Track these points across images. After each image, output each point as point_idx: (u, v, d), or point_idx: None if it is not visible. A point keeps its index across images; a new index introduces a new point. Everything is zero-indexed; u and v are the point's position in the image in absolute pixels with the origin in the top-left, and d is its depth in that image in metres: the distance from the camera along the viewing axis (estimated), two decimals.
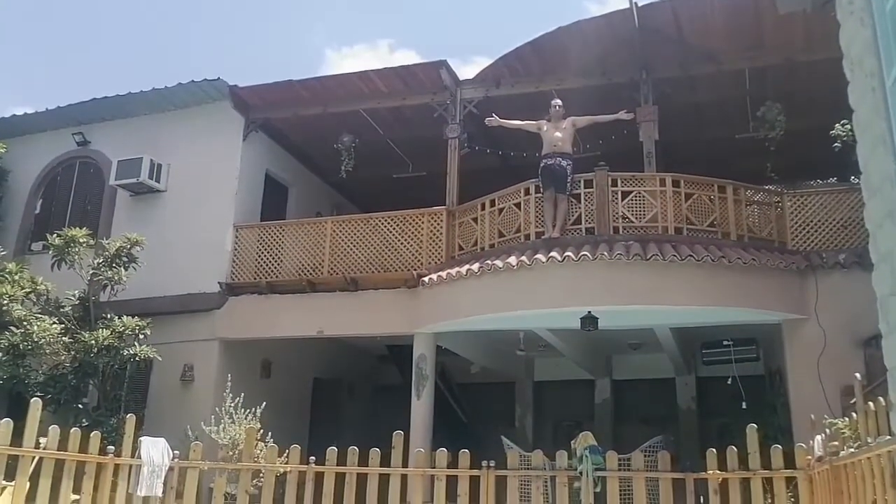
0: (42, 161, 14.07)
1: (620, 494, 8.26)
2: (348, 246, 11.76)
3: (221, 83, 12.44)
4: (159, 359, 10.97)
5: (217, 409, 10.14)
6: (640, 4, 10.07)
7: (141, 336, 10.81)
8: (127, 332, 10.70)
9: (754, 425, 7.87)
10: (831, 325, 9.36)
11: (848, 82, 3.76)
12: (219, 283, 12.02)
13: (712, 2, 10.06)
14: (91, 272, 11.14)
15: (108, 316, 10.87)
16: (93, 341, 10.39)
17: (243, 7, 34.47)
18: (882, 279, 3.26)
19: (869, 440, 4.46)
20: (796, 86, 11.09)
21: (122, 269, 11.16)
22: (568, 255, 9.26)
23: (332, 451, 9.17)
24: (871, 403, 4.58)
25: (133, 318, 10.83)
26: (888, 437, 3.87)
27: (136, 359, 10.72)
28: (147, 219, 12.61)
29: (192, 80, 12.51)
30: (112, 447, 7.82)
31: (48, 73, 33.87)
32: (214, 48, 35.77)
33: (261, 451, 9.47)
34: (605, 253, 9.18)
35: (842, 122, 9.19)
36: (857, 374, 5.88)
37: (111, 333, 10.52)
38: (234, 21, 34.80)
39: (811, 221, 10.14)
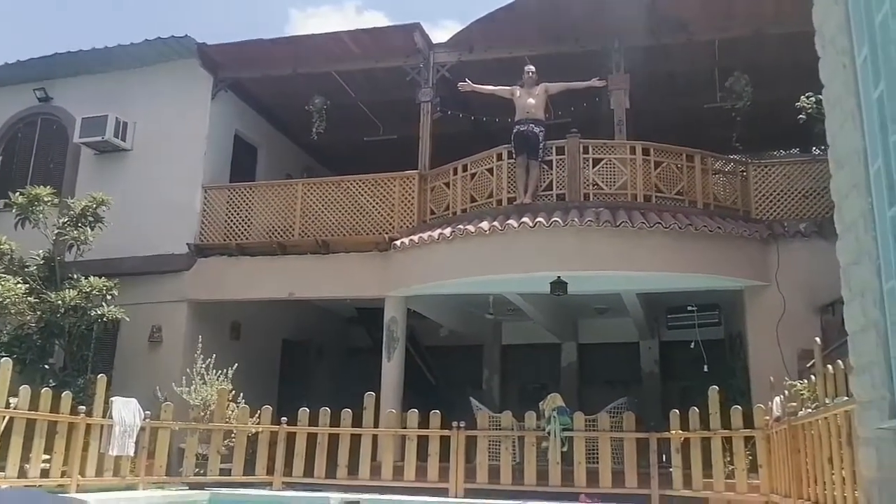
0: (1, 117, 13.74)
1: (587, 453, 8.54)
2: (320, 209, 11.74)
3: (189, 40, 12.22)
4: (127, 319, 10.92)
5: (188, 370, 10.19)
6: None
7: (108, 297, 10.72)
8: (94, 292, 10.61)
9: (716, 387, 8.17)
10: (790, 291, 9.66)
11: (816, 56, 3.87)
12: (187, 244, 11.95)
13: None
14: (56, 232, 10.99)
15: (75, 276, 10.76)
16: (59, 301, 10.29)
17: None
18: (846, 248, 3.40)
19: (827, 401, 4.68)
20: (764, 57, 11.24)
21: (87, 228, 11.04)
22: (539, 221, 9.39)
23: (303, 412, 9.33)
24: (829, 366, 4.79)
25: (100, 278, 10.73)
26: (846, 398, 4.07)
27: (104, 320, 10.66)
28: (112, 178, 12.43)
29: (159, 37, 12.27)
30: (83, 407, 7.84)
31: (8, 27, 32.81)
32: (178, 3, 34.89)
33: (232, 411, 9.58)
34: (576, 219, 9.32)
35: (807, 94, 9.38)
36: (817, 339, 6.11)
37: (78, 294, 10.42)
38: None
39: (774, 191, 10.38)
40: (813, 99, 9.09)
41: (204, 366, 10.12)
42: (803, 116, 9.47)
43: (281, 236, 11.78)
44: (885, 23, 2.91)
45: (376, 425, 9.17)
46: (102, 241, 11.13)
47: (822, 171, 9.85)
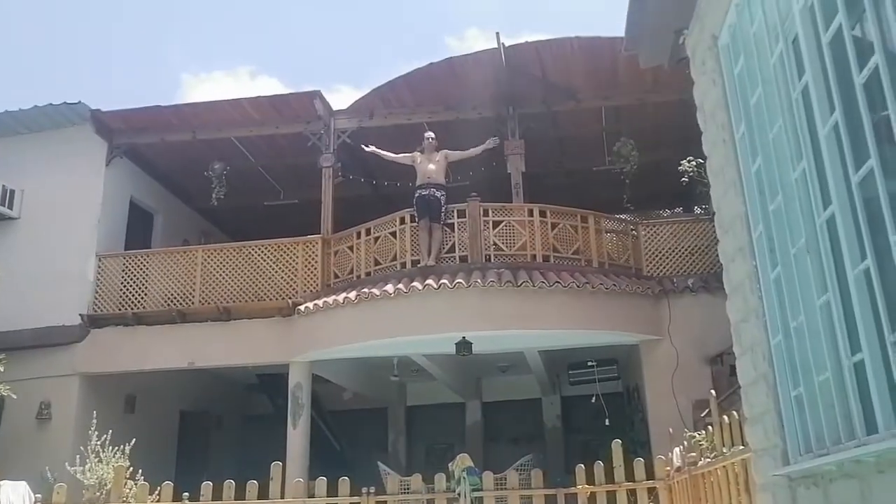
0: None
1: None
2: (221, 275, 11.55)
3: (83, 107, 11.95)
4: (13, 397, 10.30)
5: (81, 447, 9.65)
6: (507, 45, 10.63)
7: None
8: None
9: (619, 441, 8.42)
10: (682, 344, 10.15)
11: (693, 121, 4.24)
12: (80, 315, 11.47)
13: (573, 44, 10.77)
14: None
15: None
16: None
17: (98, 29, 33.03)
18: (735, 307, 3.69)
19: (724, 450, 4.96)
20: (647, 123, 11.99)
21: None
22: (443, 283, 9.56)
23: (206, 486, 8.96)
24: (725, 416, 5.09)
25: None
26: (741, 447, 4.34)
27: None
28: None
29: (51, 104, 11.94)
30: None
31: None
32: (65, 70, 34.02)
33: (130, 490, 9.12)
34: (479, 280, 9.56)
35: (688, 158, 10.04)
36: (712, 391, 6.47)
37: None
38: (86, 42, 33.26)
39: (663, 249, 10.98)
40: (694, 162, 9.71)
41: (99, 442, 9.64)
42: (685, 179, 10.09)
43: (180, 303, 11.49)
44: (758, 104, 3.26)
45: (283, 496, 8.93)
46: None
47: (706, 229, 10.52)
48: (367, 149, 10.96)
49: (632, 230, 11.40)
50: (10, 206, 12.01)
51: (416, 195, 10.37)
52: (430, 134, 10.77)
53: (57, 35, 32.38)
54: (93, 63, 34.63)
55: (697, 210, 13.28)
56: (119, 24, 33.18)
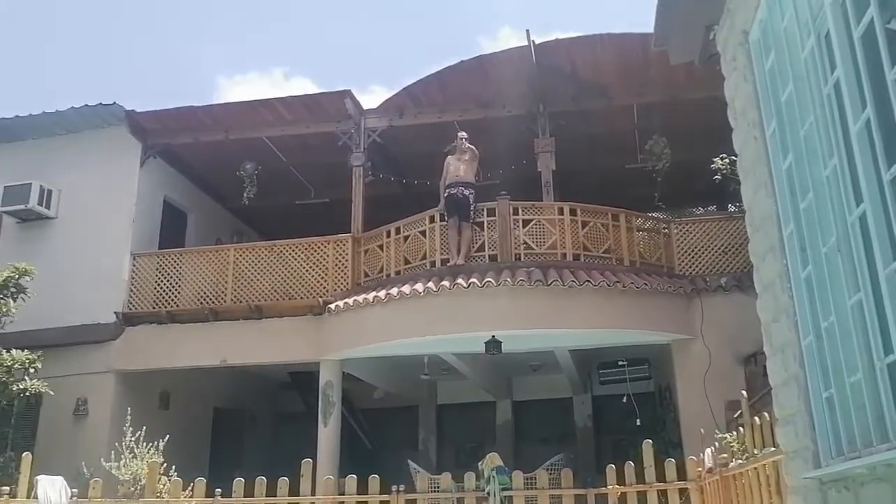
0: None
1: None
2: (252, 273, 11.67)
3: (118, 108, 12.14)
4: (51, 393, 10.52)
5: (116, 443, 9.82)
6: (537, 42, 10.57)
7: (31, 370, 10.33)
8: (16, 366, 10.21)
9: (650, 441, 8.34)
10: (715, 344, 10.02)
11: (725, 119, 4.18)
12: (115, 312, 11.66)
13: (603, 41, 10.69)
14: None
15: None
16: None
17: (134, 32, 33.56)
18: (766, 307, 3.63)
19: (755, 452, 4.89)
20: (679, 120, 11.84)
21: (10, 300, 10.67)
22: (473, 282, 9.55)
23: (238, 483, 9.06)
24: (756, 418, 5.01)
25: (23, 351, 10.33)
26: (773, 448, 4.27)
27: (26, 394, 10.24)
28: (37, 247, 12.09)
29: (87, 105, 12.16)
30: (6, 488, 7.49)
31: None
32: (103, 72, 34.63)
33: (164, 485, 9.25)
34: (508, 279, 9.53)
35: (721, 155, 9.91)
36: (743, 392, 6.38)
37: None
38: (124, 46, 33.80)
39: (695, 248, 10.85)
40: (727, 160, 9.59)
41: (133, 438, 9.79)
42: (718, 177, 9.96)
43: (213, 302, 11.63)
44: (790, 100, 3.20)
45: (314, 493, 8.99)
46: (25, 311, 10.76)
47: (739, 228, 10.37)
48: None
49: (663, 228, 11.28)
50: (48, 206, 12.26)
51: (446, 194, 10.37)
52: (463, 134, 10.75)
53: (95, 40, 32.97)
54: (131, 68, 35.27)
55: (731, 208, 13.12)
56: (156, 30, 33.75)
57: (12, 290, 10.76)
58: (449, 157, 10.67)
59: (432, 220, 10.62)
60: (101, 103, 12.13)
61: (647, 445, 8.26)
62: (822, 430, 2.93)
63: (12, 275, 10.79)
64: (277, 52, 38.33)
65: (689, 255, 10.82)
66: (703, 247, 10.83)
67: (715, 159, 9.98)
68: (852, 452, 2.60)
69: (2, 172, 12.51)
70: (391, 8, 35.10)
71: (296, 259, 11.63)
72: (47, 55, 32.46)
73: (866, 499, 2.51)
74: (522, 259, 10.16)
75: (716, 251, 10.76)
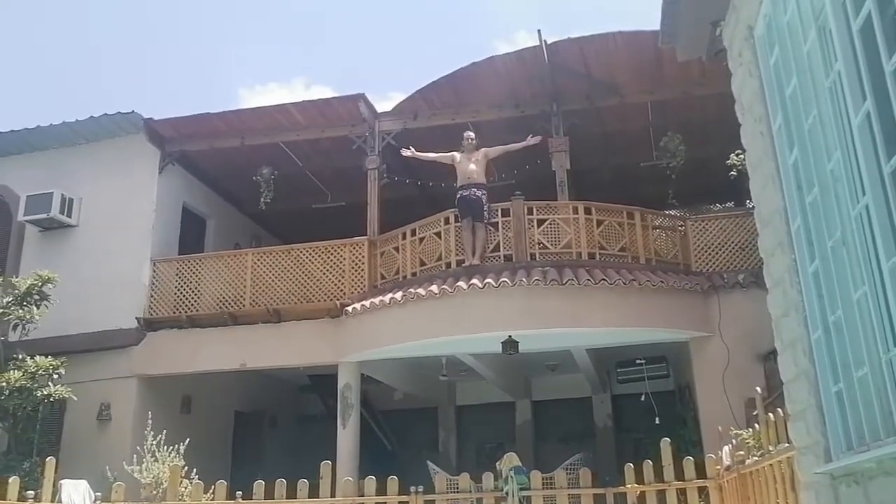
0: None
1: None
2: (270, 278, 11.75)
3: (136, 116, 12.28)
4: (74, 399, 10.67)
5: (138, 447, 9.94)
6: (549, 42, 10.57)
7: (55, 376, 10.49)
8: (40, 372, 10.37)
9: (668, 439, 8.31)
10: (734, 341, 9.94)
11: (736, 117, 4.17)
12: (136, 318, 11.80)
13: (615, 39, 10.65)
14: (0, 311, 10.76)
15: (20, 356, 10.51)
16: (3, 383, 10.02)
17: (155, 45, 33.91)
18: (776, 302, 3.62)
19: (770, 449, 4.86)
20: (693, 117, 11.79)
21: (33, 307, 10.84)
22: (488, 282, 9.57)
23: (259, 485, 9.13)
24: (771, 415, 4.99)
25: (46, 357, 10.50)
26: (786, 444, 4.25)
27: (50, 400, 10.40)
28: (58, 254, 12.27)
29: (105, 114, 12.32)
30: (31, 492, 7.60)
31: None
32: (126, 85, 35.02)
33: (186, 488, 9.35)
34: (524, 279, 9.53)
35: (736, 151, 9.84)
36: (758, 388, 6.35)
37: (23, 374, 10.17)
38: (145, 59, 34.17)
39: (712, 244, 10.78)
40: (742, 156, 9.50)
41: (155, 442, 9.90)
42: (734, 173, 9.90)
43: (232, 306, 11.73)
44: (794, 94, 3.19)
45: (333, 495, 9.04)
46: (48, 318, 10.93)
47: (755, 224, 10.28)
48: (405, 153, 11.01)
49: (679, 226, 11.23)
50: (69, 215, 12.42)
51: (458, 196, 10.38)
52: (470, 134, 10.77)
53: (116, 53, 33.36)
54: (155, 82, 35.60)
55: (749, 204, 13.02)
56: (179, 42, 34.05)
57: (36, 297, 10.93)
58: (456, 154, 10.66)
59: (447, 221, 10.64)
60: (119, 112, 12.28)
61: (665, 444, 8.23)
62: (832, 425, 2.93)
63: (35, 282, 10.96)
64: (298, 62, 38.56)
65: (706, 252, 10.76)
66: (719, 243, 10.77)
67: (731, 155, 9.92)
68: (861, 447, 2.60)
69: (24, 182, 12.70)
70: (408, 16, 35.19)
71: (313, 262, 11.70)
72: (78, 71, 32.91)
73: (875, 493, 2.51)
74: (537, 259, 10.15)
75: (733, 247, 10.69)
